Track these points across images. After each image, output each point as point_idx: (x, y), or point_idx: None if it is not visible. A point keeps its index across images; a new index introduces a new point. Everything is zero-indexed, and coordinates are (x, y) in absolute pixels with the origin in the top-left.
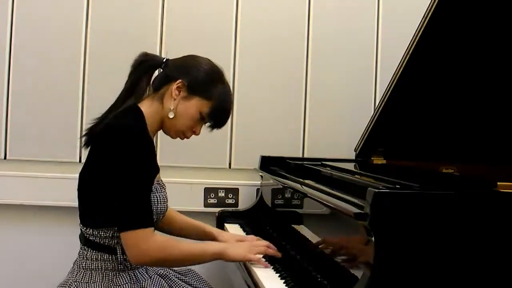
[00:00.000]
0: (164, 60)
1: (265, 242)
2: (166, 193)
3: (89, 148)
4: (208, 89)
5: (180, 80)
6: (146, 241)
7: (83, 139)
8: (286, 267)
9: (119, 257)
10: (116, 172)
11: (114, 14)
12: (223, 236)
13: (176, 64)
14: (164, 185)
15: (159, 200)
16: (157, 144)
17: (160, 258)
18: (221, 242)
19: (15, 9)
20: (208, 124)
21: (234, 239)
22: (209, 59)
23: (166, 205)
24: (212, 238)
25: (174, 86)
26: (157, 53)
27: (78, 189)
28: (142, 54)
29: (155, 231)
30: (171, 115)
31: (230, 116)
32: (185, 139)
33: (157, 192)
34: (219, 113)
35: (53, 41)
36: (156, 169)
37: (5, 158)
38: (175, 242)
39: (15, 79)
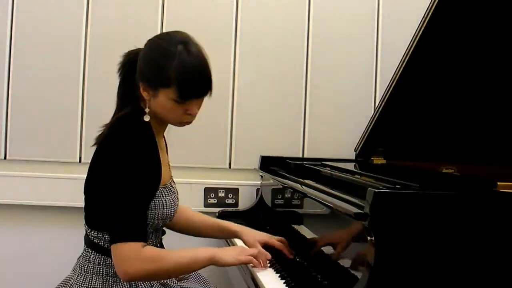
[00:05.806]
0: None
1: (260, 249)
2: (175, 196)
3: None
4: (161, 76)
5: (140, 83)
6: (136, 254)
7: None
8: (286, 267)
9: None
10: (113, 185)
11: (114, 15)
12: (248, 234)
13: (137, 66)
14: (174, 189)
15: (164, 205)
16: None
17: (150, 271)
18: (245, 240)
19: (15, 9)
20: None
21: (258, 237)
22: (158, 39)
23: (174, 209)
24: (236, 236)
25: (141, 91)
26: None
27: (84, 191)
28: (124, 54)
29: (146, 245)
30: (146, 118)
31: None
32: (186, 125)
33: (163, 196)
34: (187, 88)
35: (53, 42)
36: (156, 180)
37: (5, 158)
38: (165, 254)
39: (15, 79)
